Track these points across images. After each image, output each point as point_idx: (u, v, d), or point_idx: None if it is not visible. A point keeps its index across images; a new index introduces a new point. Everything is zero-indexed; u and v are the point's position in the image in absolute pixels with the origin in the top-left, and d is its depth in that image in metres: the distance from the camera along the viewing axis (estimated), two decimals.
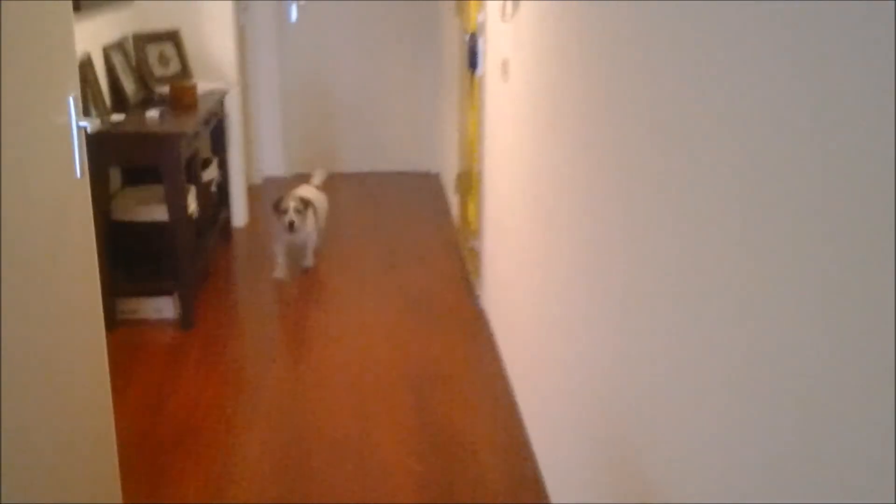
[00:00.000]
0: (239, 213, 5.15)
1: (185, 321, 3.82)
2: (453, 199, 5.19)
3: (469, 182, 4.43)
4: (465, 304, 4.11)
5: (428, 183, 6.17)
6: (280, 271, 4.37)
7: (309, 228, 4.39)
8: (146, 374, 3.43)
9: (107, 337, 3.87)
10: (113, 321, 3.77)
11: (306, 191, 4.59)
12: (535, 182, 2.83)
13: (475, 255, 4.18)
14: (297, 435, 3.01)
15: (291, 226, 4.24)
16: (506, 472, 2.83)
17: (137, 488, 2.69)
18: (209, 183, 4.53)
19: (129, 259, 3.90)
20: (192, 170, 4.19)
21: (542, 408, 2.83)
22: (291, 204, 4.27)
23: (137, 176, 4.19)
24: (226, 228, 4.89)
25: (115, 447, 2.33)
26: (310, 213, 4.39)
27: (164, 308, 3.86)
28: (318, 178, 4.88)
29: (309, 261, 4.49)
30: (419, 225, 5.27)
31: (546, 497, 2.69)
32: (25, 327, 1.72)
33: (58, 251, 1.94)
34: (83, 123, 2.06)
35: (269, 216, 4.80)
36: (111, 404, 2.34)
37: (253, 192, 5.69)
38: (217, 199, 4.73)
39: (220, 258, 4.67)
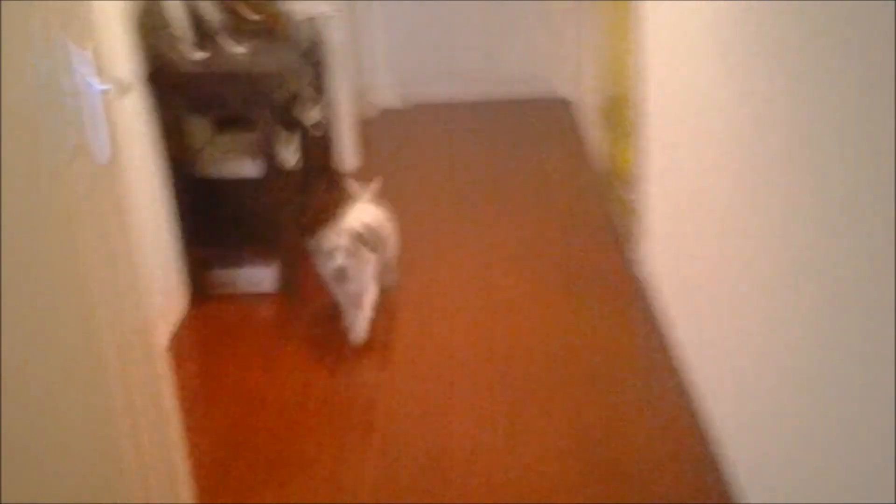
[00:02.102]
0: (349, 157, 4.52)
1: (286, 295, 3.25)
2: (595, 134, 4.41)
3: (620, 115, 3.65)
4: (616, 269, 3.38)
5: (561, 112, 5.37)
6: (354, 325, 2.95)
7: (367, 276, 2.93)
8: (236, 366, 2.89)
9: (196, 315, 3.35)
10: (203, 295, 3.24)
11: (361, 215, 3.05)
12: (736, 122, 2.07)
13: (630, 207, 3.43)
14: (421, 461, 2.40)
15: (342, 275, 2.82)
16: (690, 498, 2.16)
17: None
18: (313, 126, 3.91)
19: (222, 222, 3.34)
20: (291, 113, 3.57)
21: (740, 409, 2.13)
22: (341, 242, 2.81)
23: (231, 122, 3.59)
24: (335, 177, 4.27)
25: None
26: (366, 253, 2.90)
27: (262, 279, 3.30)
28: (369, 191, 3.27)
29: (360, 329, 2.92)
30: (549, 163, 4.51)
31: None
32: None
33: (66, 264, 1.34)
34: (103, 87, 1.44)
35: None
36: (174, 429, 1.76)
37: (366, 129, 5.05)
38: (323, 144, 4.11)
39: (330, 213, 4.05)
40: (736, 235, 2.10)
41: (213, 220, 3.29)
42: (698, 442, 2.37)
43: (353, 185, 3.34)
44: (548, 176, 4.35)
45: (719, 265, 2.27)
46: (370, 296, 2.97)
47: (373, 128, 5.21)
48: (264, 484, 2.32)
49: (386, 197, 3.32)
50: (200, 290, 3.23)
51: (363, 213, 3.09)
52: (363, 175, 4.26)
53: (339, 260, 2.78)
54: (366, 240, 2.89)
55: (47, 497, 1.23)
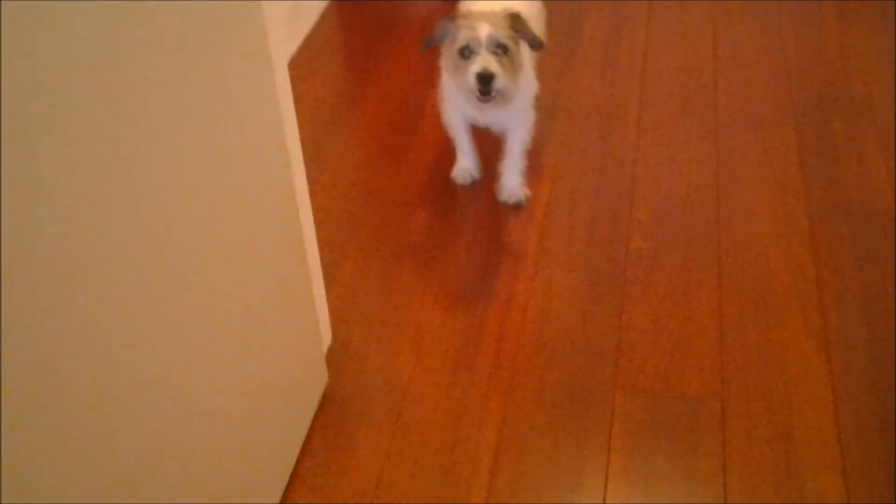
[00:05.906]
0: None
1: None
2: None
3: None
4: None
5: None
6: (463, 169, 1.99)
7: (526, 90, 1.82)
8: (380, 78, 2.42)
9: (337, 9, 2.84)
10: None
11: None
12: None
13: None
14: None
15: (485, 87, 1.65)
16: None
17: None
18: None
19: None
20: None
21: None
22: (484, 32, 1.64)
23: None
24: None
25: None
26: (521, 48, 1.72)
27: None
28: None
29: (514, 188, 1.92)
30: None
31: None
32: None
33: None
34: None
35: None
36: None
37: None
38: None
39: None
40: None
41: None
42: None
43: None
44: None
45: None
46: (527, 125, 1.88)
47: None
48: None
49: None
50: None
51: None
52: None
53: (484, 64, 1.62)
54: (525, 28, 1.69)
55: None
